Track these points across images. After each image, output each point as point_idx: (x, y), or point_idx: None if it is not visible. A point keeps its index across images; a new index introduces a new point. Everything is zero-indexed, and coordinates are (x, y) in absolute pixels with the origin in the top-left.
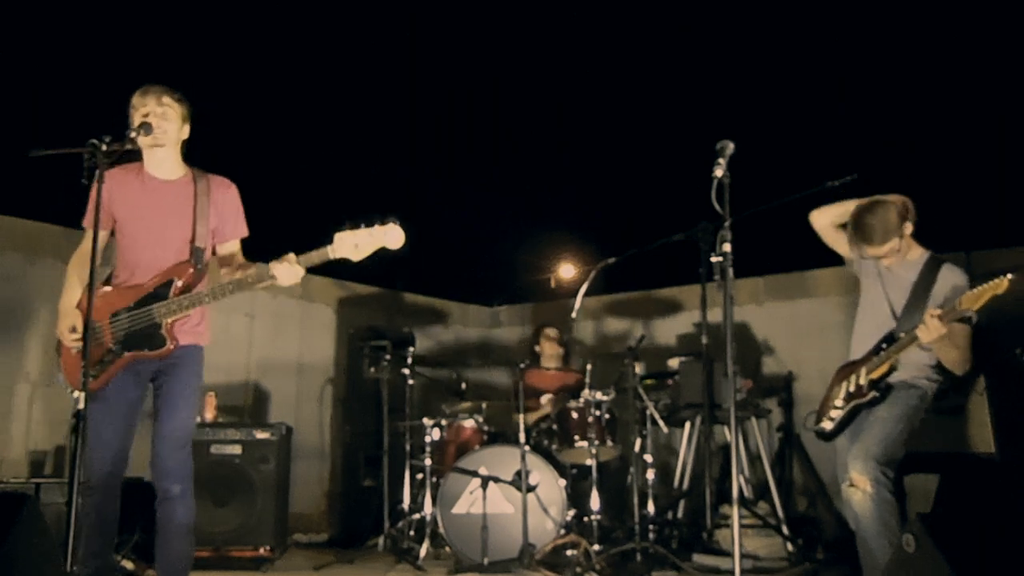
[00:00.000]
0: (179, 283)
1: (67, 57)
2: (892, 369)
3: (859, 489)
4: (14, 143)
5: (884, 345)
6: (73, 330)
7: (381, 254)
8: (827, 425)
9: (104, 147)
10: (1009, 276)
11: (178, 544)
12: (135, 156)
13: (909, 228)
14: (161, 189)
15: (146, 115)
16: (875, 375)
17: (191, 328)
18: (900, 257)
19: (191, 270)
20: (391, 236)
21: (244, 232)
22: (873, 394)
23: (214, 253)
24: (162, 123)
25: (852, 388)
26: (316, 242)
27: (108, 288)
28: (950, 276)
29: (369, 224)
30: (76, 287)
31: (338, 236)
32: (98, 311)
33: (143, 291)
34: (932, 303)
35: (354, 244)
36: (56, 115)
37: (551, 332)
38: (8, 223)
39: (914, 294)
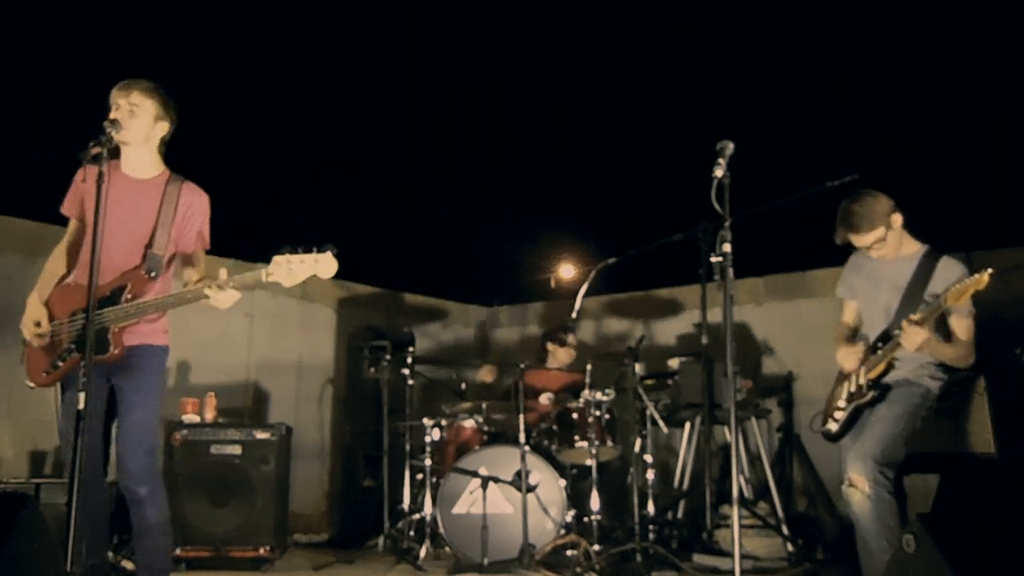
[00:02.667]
0: (131, 291)
1: (67, 57)
2: (890, 368)
3: (858, 489)
4: (14, 143)
5: (880, 344)
6: (37, 325)
7: (380, 254)
8: (832, 427)
9: (109, 147)
10: (989, 270)
11: (153, 540)
12: (115, 154)
13: (899, 219)
14: (127, 187)
15: (117, 110)
16: (873, 375)
17: (144, 329)
18: (892, 251)
19: (144, 277)
20: (322, 265)
21: (205, 244)
22: (872, 394)
23: (171, 261)
24: (129, 121)
25: (852, 388)
26: (316, 242)
27: (69, 285)
28: (948, 269)
29: (307, 250)
30: (50, 282)
31: (275, 260)
32: (58, 308)
33: (99, 294)
34: (930, 297)
35: (288, 270)
36: (56, 115)
37: (574, 339)
38: (8, 223)
39: (910, 290)
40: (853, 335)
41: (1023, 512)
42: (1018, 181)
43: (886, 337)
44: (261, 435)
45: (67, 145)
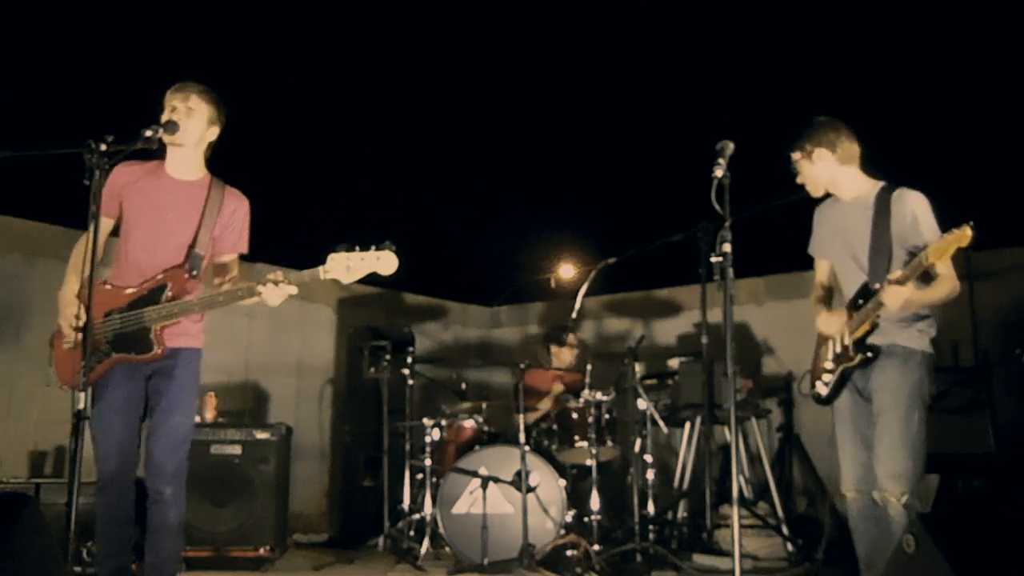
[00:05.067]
0: (172, 289)
1: (68, 57)
2: (875, 327)
3: (895, 499)
4: (14, 143)
5: (861, 300)
6: (77, 319)
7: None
8: (822, 390)
9: (104, 147)
10: (971, 223)
11: (167, 543)
12: (159, 153)
13: (823, 156)
14: (173, 188)
15: (173, 111)
16: (858, 334)
17: (184, 331)
18: (812, 187)
19: (185, 276)
20: (384, 262)
21: (244, 249)
22: (860, 356)
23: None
24: (186, 123)
25: (838, 349)
26: (313, 239)
27: (107, 286)
28: (905, 203)
29: (364, 247)
30: (74, 279)
31: (331, 257)
32: (94, 309)
33: (137, 294)
34: (896, 242)
35: (346, 267)
36: (56, 115)
37: (574, 340)
38: (8, 223)
39: (875, 235)
40: (829, 296)
41: (1023, 512)
42: (1018, 181)
43: (866, 292)
44: (261, 435)
45: (66, 145)
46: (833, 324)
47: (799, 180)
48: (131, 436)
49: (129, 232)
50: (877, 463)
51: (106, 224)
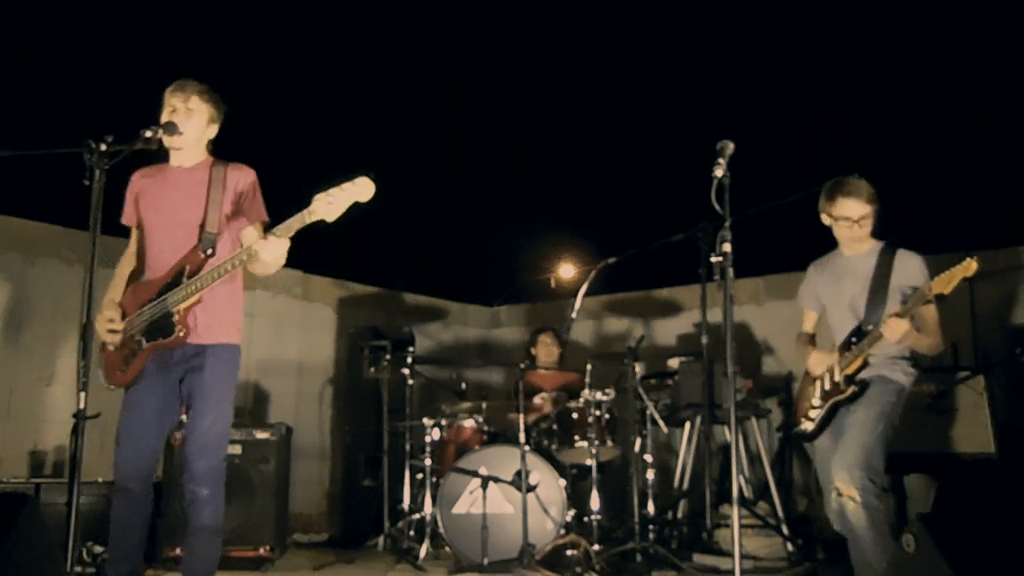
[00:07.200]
0: (189, 269)
1: (68, 57)
2: (865, 364)
3: (849, 499)
4: (14, 143)
5: (854, 339)
6: (111, 321)
7: (380, 254)
8: (807, 426)
9: (104, 147)
10: (976, 257)
11: (205, 546)
12: (165, 155)
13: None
14: (175, 176)
15: (172, 112)
16: (849, 370)
17: (217, 324)
18: (866, 240)
19: (200, 255)
20: (361, 187)
21: (263, 216)
22: (852, 389)
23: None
24: (185, 123)
25: (828, 386)
26: (314, 239)
27: (139, 283)
28: (906, 263)
29: (341, 181)
30: (120, 283)
31: (315, 198)
32: (130, 306)
33: (162, 282)
34: (893, 293)
35: (328, 202)
36: (56, 115)
37: (547, 339)
38: (8, 223)
39: (874, 285)
40: (812, 342)
41: (1023, 512)
42: (1018, 181)
43: (859, 333)
44: (261, 435)
45: (66, 145)
46: (823, 362)
47: (858, 235)
48: (154, 440)
49: (148, 230)
50: (835, 459)
51: (135, 234)
